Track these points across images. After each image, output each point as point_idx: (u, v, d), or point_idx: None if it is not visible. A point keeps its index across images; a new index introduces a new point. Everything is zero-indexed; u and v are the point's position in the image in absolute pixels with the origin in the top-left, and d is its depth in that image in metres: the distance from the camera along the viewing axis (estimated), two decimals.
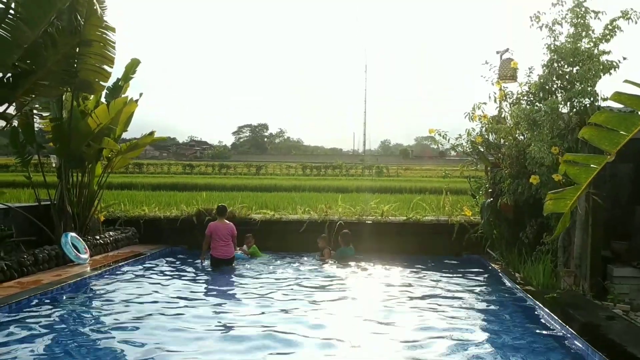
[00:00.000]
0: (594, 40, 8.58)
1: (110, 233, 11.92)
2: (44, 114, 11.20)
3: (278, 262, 11.23)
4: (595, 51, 8.54)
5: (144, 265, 10.60)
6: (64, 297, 7.82)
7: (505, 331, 6.62)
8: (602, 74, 8.43)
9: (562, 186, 5.52)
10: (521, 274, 9.25)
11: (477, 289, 9.10)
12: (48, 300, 7.51)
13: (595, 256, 7.99)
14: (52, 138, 10.84)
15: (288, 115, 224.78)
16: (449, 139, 10.69)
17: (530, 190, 9.02)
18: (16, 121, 10.24)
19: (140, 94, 12.12)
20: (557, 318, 6.57)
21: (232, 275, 10.02)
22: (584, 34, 8.62)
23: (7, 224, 9.56)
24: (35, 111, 10.87)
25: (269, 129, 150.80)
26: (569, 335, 6.06)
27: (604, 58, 8.52)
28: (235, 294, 8.64)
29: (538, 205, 8.86)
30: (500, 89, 10.15)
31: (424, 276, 10.09)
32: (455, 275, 10.26)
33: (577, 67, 8.61)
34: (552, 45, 8.89)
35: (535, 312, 7.29)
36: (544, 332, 6.49)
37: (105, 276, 9.31)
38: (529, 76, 9.53)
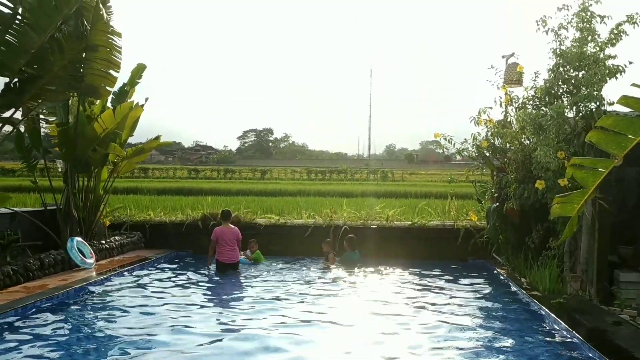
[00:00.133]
0: (599, 44, 8.57)
1: (116, 237, 11.94)
2: (51, 119, 11.25)
3: (283, 267, 11.23)
4: (601, 55, 8.53)
5: (150, 270, 10.61)
6: (70, 302, 7.82)
7: (511, 337, 6.58)
8: (608, 78, 8.41)
9: (568, 191, 5.49)
10: (527, 279, 9.21)
11: (483, 294, 9.07)
12: (54, 305, 7.52)
13: (602, 261, 7.94)
14: (58, 143, 10.88)
15: (293, 119, 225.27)
16: (454, 144, 10.69)
17: (536, 195, 9.00)
18: (23, 126, 10.30)
19: (146, 99, 12.16)
20: (563, 323, 6.54)
21: (238, 280, 10.02)
22: (589, 38, 8.61)
23: (14, 229, 9.60)
24: (41, 116, 10.92)
25: (274, 134, 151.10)
26: (575, 341, 6.03)
27: (609, 62, 8.51)
28: (241, 298, 8.62)
29: (544, 210, 8.83)
30: (506, 94, 10.14)
31: (430, 281, 10.06)
32: (461, 280, 10.22)
33: (583, 72, 8.60)
34: (557, 50, 8.88)
35: (542, 318, 7.25)
36: (550, 337, 6.46)
37: (111, 281, 9.32)
38: (534, 80, 9.53)
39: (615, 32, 8.44)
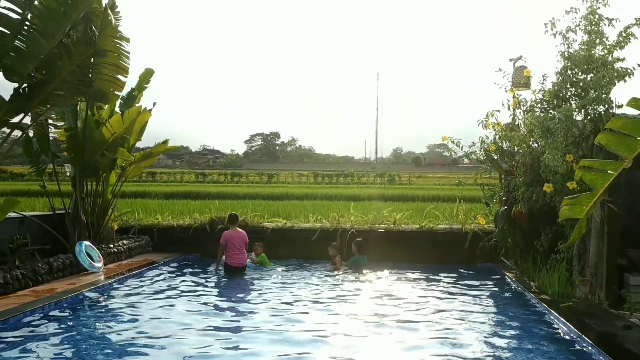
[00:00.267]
0: (608, 47, 8.53)
1: (124, 241, 11.99)
2: (59, 124, 11.32)
3: (290, 271, 11.22)
4: (610, 58, 8.49)
5: (158, 274, 10.63)
6: (78, 306, 7.85)
7: (520, 341, 6.54)
8: (616, 81, 8.37)
9: (577, 194, 5.46)
10: (536, 283, 9.17)
11: (492, 298, 9.03)
12: (62, 309, 7.55)
13: (611, 264, 7.89)
14: (66, 147, 10.94)
15: (300, 123, 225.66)
16: (462, 147, 10.65)
17: (544, 198, 8.96)
18: (32, 131, 10.36)
19: (154, 104, 12.20)
20: (573, 327, 6.49)
21: (246, 284, 10.03)
22: (597, 41, 8.58)
23: (22, 233, 9.65)
24: (50, 121, 10.99)
25: (281, 137, 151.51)
26: (585, 345, 5.98)
27: (618, 65, 8.47)
28: (249, 301, 8.63)
29: (553, 213, 8.79)
30: (514, 96, 10.11)
31: (437, 285, 10.02)
32: (469, 284, 10.18)
33: (591, 75, 8.56)
34: (565, 53, 8.86)
35: (551, 322, 7.21)
36: (560, 341, 6.42)
37: (119, 284, 9.35)
38: (542, 83, 9.49)
39: (624, 34, 8.40)
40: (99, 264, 10.05)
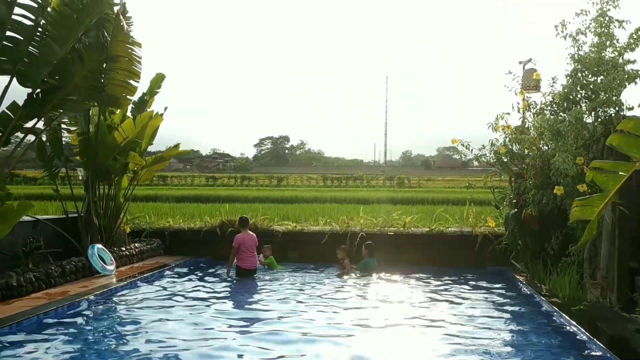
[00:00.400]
0: (618, 49, 8.52)
1: (136, 244, 12.08)
2: (72, 128, 11.45)
3: (300, 274, 11.25)
4: (620, 60, 8.48)
5: (169, 276, 10.71)
6: (91, 308, 7.92)
7: (531, 344, 6.53)
8: (627, 83, 8.35)
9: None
10: (547, 286, 9.13)
11: (502, 301, 9.00)
12: (75, 312, 7.63)
13: (622, 267, 7.85)
14: (79, 152, 11.06)
15: (309, 126, 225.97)
16: (472, 150, 10.64)
17: (555, 201, 8.93)
18: (45, 135, 10.49)
19: (165, 108, 12.32)
20: (584, 331, 6.47)
21: (257, 286, 10.08)
22: (608, 43, 8.56)
23: (36, 236, 9.76)
24: (63, 125, 11.12)
25: (290, 141, 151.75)
26: (597, 349, 5.96)
27: (629, 67, 8.46)
28: (262, 303, 8.69)
29: (563, 216, 8.76)
30: (524, 99, 10.09)
31: (448, 288, 10.01)
32: (479, 287, 10.16)
33: (602, 77, 8.54)
34: (576, 55, 8.85)
35: (562, 325, 7.18)
36: (571, 345, 6.39)
37: (131, 287, 9.43)
38: (552, 86, 9.48)
39: (635, 37, 8.38)
40: (111, 267, 10.14)
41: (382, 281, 10.64)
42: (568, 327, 6.99)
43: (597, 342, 6.00)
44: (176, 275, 10.91)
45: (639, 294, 7.82)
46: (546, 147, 9.56)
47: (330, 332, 6.95)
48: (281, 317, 7.72)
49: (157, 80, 12.63)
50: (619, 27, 8.55)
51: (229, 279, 10.59)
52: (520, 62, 11.64)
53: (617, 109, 8.31)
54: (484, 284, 10.44)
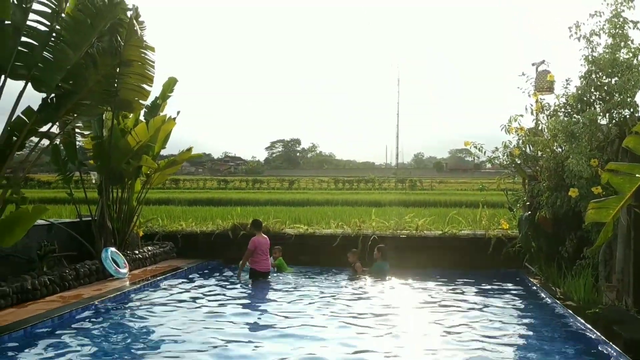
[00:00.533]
0: (633, 50, 8.44)
1: (149, 248, 12.14)
2: (86, 133, 11.53)
3: (312, 276, 11.25)
4: (635, 61, 8.40)
5: (182, 279, 10.75)
6: (104, 311, 7.98)
7: (546, 348, 6.47)
8: None
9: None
10: (561, 289, 9.05)
11: (516, 305, 8.94)
12: (89, 314, 7.68)
13: (638, 270, 7.76)
14: (93, 156, 11.15)
15: (320, 129, 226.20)
16: (485, 152, 10.57)
17: (569, 203, 8.85)
18: (59, 140, 10.58)
19: (178, 112, 12.37)
20: (600, 334, 6.40)
21: (270, 289, 10.09)
22: (622, 44, 8.49)
23: (50, 240, 9.84)
24: (77, 130, 11.20)
25: (301, 144, 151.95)
26: (613, 353, 5.90)
27: None
28: (274, 303, 8.74)
29: (577, 219, 8.69)
30: (537, 101, 10.02)
31: (461, 291, 9.95)
32: (493, 290, 10.09)
33: (616, 78, 8.47)
34: (590, 57, 8.77)
35: (577, 328, 7.11)
36: (587, 349, 6.34)
37: (144, 290, 9.48)
38: (566, 88, 9.41)
39: None
40: (125, 270, 10.20)
41: (395, 284, 10.60)
42: (583, 331, 6.92)
43: (613, 345, 5.94)
44: (189, 278, 10.95)
45: None
46: (560, 149, 9.47)
47: (341, 334, 6.95)
48: (293, 319, 7.72)
49: (170, 84, 12.70)
50: (633, 28, 8.48)
51: (241, 282, 10.60)
52: (533, 64, 11.59)
53: (631, 110, 8.23)
54: (497, 287, 10.37)
